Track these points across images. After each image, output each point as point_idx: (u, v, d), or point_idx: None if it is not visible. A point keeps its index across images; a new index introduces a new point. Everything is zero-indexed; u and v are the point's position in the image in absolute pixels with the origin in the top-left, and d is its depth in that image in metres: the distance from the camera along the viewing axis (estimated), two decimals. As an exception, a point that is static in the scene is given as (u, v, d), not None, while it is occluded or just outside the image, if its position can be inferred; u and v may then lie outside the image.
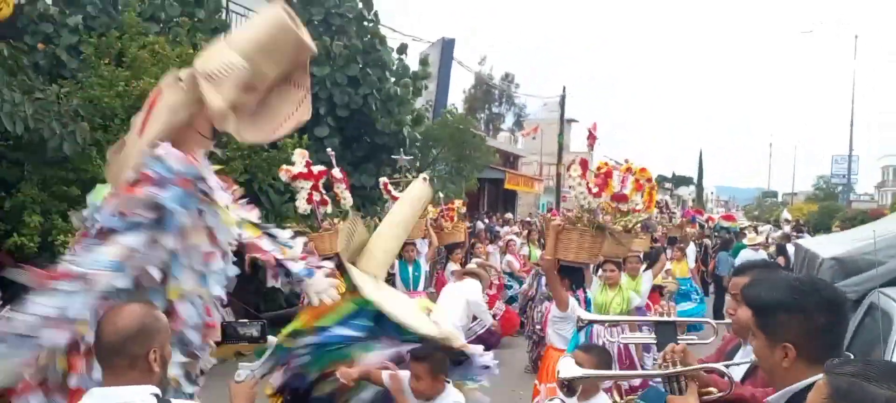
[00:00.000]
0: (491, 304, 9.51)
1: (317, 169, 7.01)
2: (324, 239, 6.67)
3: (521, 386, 8.10)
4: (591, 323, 3.76)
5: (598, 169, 5.77)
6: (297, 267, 3.35)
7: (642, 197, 6.55)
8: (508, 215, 23.95)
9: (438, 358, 3.39)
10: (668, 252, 10.47)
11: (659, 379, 2.36)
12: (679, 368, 2.24)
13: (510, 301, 10.96)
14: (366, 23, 10.89)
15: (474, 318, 8.32)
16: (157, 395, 2.01)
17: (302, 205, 6.87)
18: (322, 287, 3.39)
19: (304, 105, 3.08)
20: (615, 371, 2.57)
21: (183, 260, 2.77)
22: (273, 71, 2.89)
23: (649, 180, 6.81)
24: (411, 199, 4.38)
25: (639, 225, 6.71)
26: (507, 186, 28.37)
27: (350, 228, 3.96)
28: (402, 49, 11.72)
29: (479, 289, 7.80)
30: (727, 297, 3.50)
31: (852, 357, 2.26)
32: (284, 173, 6.95)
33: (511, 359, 9.49)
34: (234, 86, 2.77)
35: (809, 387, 1.67)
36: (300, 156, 6.91)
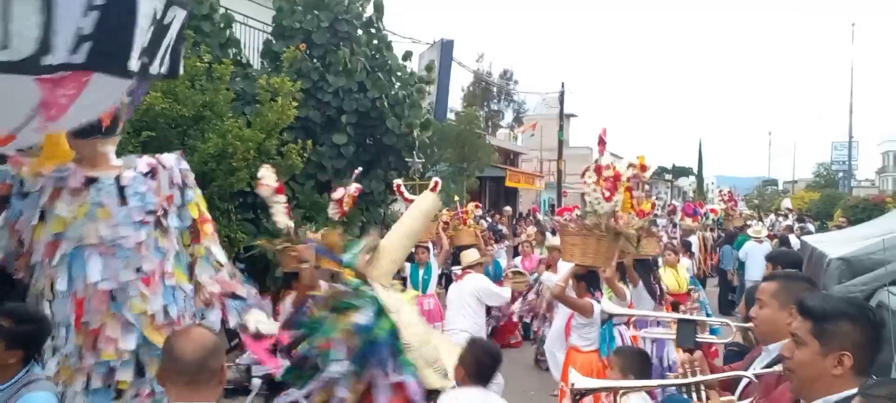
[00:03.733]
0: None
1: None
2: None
3: (531, 383, 8.18)
4: (613, 316, 3.89)
5: (602, 171, 5.76)
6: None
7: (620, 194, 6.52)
8: (507, 208, 23.90)
9: None
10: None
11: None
12: (699, 377, 2.29)
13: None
14: (373, 29, 10.94)
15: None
16: None
17: (282, 221, 6.17)
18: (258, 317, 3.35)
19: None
20: (632, 382, 2.63)
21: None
22: None
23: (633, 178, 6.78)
24: (421, 212, 4.43)
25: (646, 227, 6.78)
26: (507, 184, 28.41)
27: (370, 244, 3.99)
28: (407, 56, 11.76)
29: (481, 279, 7.64)
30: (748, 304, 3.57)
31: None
32: (264, 188, 6.48)
33: (518, 357, 9.57)
34: None
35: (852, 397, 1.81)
36: (269, 171, 6.06)
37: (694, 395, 2.28)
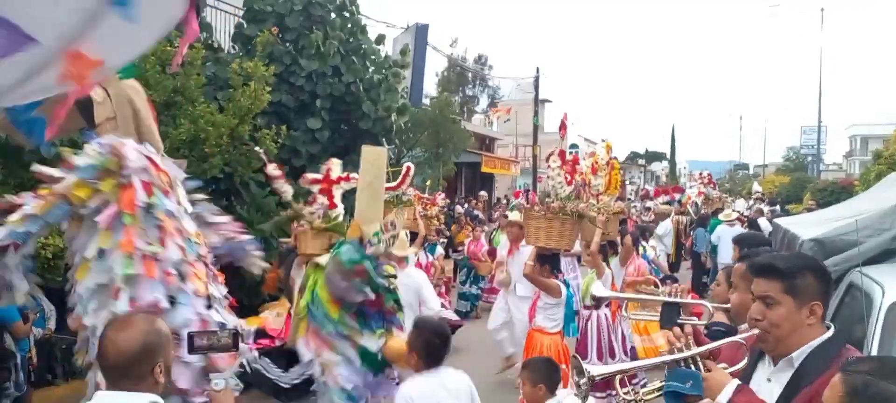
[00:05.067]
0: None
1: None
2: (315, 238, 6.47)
3: (495, 366, 8.19)
4: (599, 299, 3.98)
5: (565, 156, 5.92)
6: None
7: (602, 177, 6.61)
8: (482, 193, 23.97)
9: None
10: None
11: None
12: (695, 349, 2.32)
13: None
14: (346, 13, 10.82)
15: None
16: None
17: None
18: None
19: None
20: (636, 363, 2.67)
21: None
22: None
23: (609, 162, 6.88)
24: (370, 167, 4.24)
25: (612, 208, 6.86)
26: (483, 169, 28.43)
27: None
28: (380, 39, 11.66)
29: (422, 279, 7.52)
30: (718, 282, 3.61)
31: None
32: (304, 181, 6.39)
33: (482, 337, 9.57)
34: None
35: (830, 340, 2.07)
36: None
37: (692, 367, 2.31)
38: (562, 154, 5.84)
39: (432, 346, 3.40)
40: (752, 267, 2.30)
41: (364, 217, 3.99)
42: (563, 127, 6.31)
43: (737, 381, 2.19)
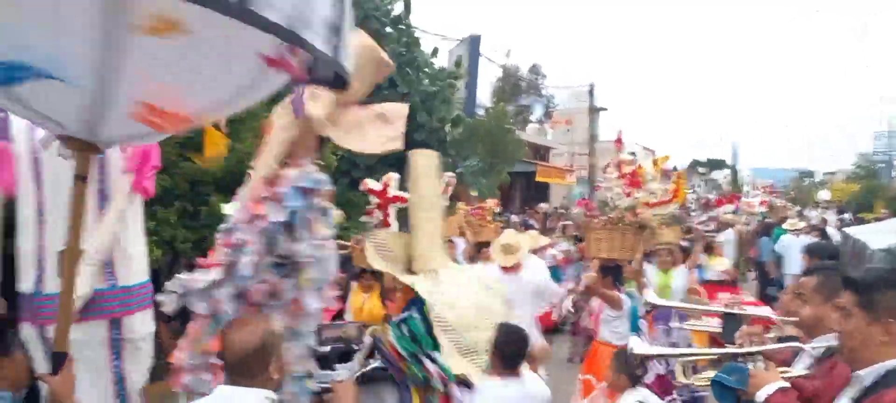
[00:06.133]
0: None
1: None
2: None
3: (563, 378, 8.11)
4: (656, 306, 4.00)
5: (623, 167, 5.94)
6: None
7: (664, 184, 6.55)
8: (542, 205, 23.85)
9: None
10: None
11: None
12: (758, 348, 2.35)
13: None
14: (401, 26, 11.02)
15: None
16: (271, 399, 2.28)
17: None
18: None
19: (394, 141, 3.25)
20: (688, 349, 2.67)
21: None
22: (359, 86, 3.13)
23: (674, 169, 6.84)
24: (421, 176, 4.11)
25: (667, 217, 6.77)
26: (538, 179, 28.30)
27: (380, 243, 3.75)
28: (434, 52, 11.83)
29: (540, 267, 7.52)
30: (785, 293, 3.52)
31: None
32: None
33: (552, 350, 9.49)
34: (330, 100, 3.12)
35: None
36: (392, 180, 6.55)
37: (751, 365, 2.31)
38: (619, 164, 5.89)
39: (507, 351, 3.45)
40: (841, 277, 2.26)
41: (424, 241, 3.88)
42: (618, 141, 6.38)
43: (783, 382, 2.18)
